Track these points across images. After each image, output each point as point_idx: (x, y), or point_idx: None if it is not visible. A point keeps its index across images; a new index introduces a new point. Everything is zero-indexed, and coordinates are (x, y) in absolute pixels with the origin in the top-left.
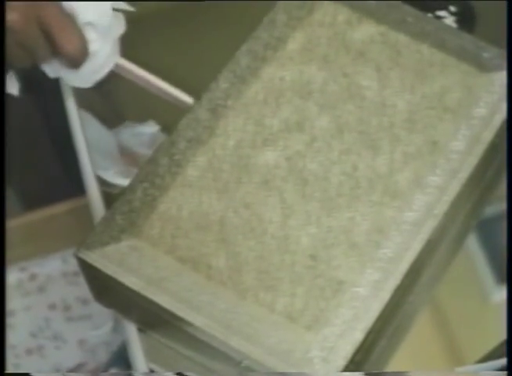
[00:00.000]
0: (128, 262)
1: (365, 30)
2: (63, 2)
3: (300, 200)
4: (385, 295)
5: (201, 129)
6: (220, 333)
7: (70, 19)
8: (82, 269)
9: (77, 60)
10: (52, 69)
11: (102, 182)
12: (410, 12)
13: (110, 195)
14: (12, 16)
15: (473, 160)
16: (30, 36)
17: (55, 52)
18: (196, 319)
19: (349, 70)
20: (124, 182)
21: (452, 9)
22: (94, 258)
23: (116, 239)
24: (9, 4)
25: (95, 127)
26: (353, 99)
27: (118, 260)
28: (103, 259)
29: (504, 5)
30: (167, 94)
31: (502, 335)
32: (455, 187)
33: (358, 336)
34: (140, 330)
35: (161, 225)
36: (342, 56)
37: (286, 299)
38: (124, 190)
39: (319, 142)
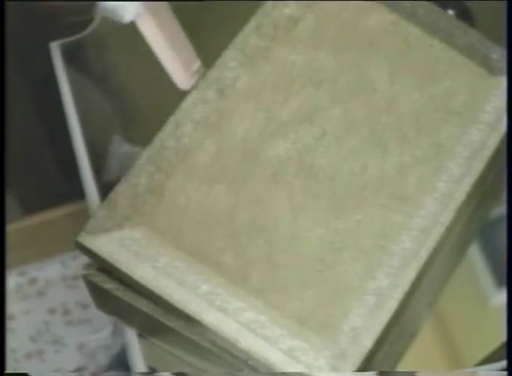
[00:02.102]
0: (132, 251)
1: (377, 18)
2: None
3: (308, 198)
4: (393, 302)
5: (209, 111)
6: (229, 333)
7: None
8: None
9: None
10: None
11: None
12: (422, 4)
13: None
14: None
15: (479, 166)
16: None
17: None
18: (205, 317)
19: (360, 60)
20: None
21: (450, 11)
22: (95, 244)
23: (119, 226)
24: None
25: None
26: (363, 92)
27: (120, 248)
28: (105, 245)
29: (502, 6)
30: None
31: (502, 338)
32: (461, 193)
33: (367, 343)
34: (140, 334)
35: (168, 215)
36: (353, 44)
37: (294, 303)
38: (127, 173)
39: (329, 137)
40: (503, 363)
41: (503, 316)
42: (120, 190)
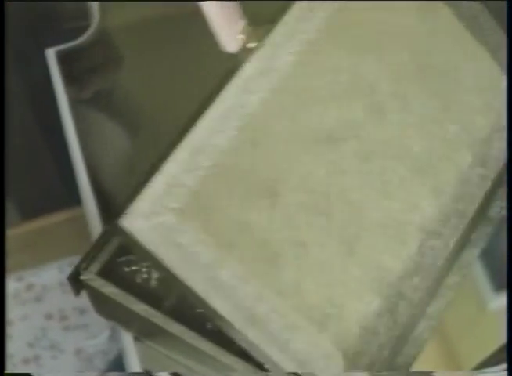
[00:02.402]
0: (176, 245)
1: (407, 11)
2: None
3: (320, 232)
4: (402, 312)
5: (246, 96)
6: (250, 336)
7: None
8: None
9: None
10: None
11: None
12: None
13: (107, 205)
14: None
15: (489, 176)
16: None
17: None
18: (221, 307)
19: (386, 58)
20: None
21: None
22: (136, 229)
23: (161, 213)
24: None
25: None
26: (393, 99)
27: (162, 238)
28: (147, 232)
29: (498, 7)
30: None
31: (500, 342)
32: (468, 215)
33: (376, 350)
34: (137, 339)
35: (211, 210)
36: (383, 41)
37: (305, 306)
38: (162, 155)
39: (345, 164)
40: (502, 367)
41: (501, 320)
42: (160, 178)
